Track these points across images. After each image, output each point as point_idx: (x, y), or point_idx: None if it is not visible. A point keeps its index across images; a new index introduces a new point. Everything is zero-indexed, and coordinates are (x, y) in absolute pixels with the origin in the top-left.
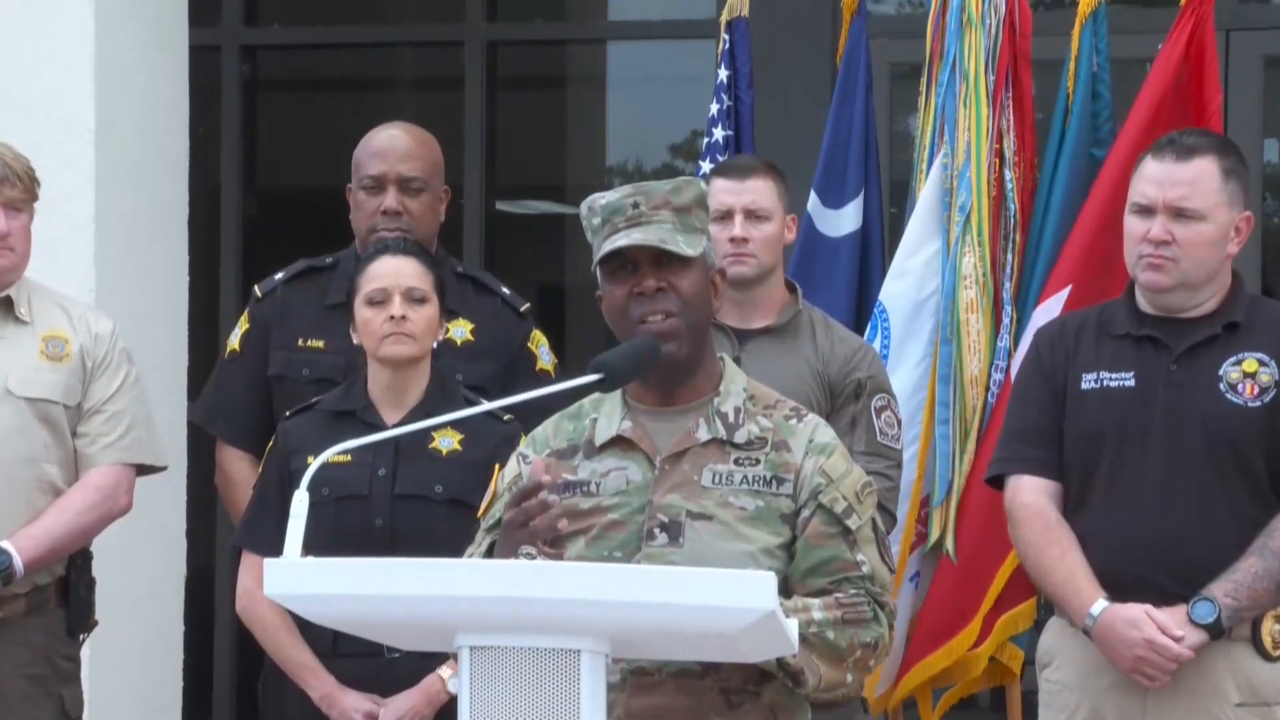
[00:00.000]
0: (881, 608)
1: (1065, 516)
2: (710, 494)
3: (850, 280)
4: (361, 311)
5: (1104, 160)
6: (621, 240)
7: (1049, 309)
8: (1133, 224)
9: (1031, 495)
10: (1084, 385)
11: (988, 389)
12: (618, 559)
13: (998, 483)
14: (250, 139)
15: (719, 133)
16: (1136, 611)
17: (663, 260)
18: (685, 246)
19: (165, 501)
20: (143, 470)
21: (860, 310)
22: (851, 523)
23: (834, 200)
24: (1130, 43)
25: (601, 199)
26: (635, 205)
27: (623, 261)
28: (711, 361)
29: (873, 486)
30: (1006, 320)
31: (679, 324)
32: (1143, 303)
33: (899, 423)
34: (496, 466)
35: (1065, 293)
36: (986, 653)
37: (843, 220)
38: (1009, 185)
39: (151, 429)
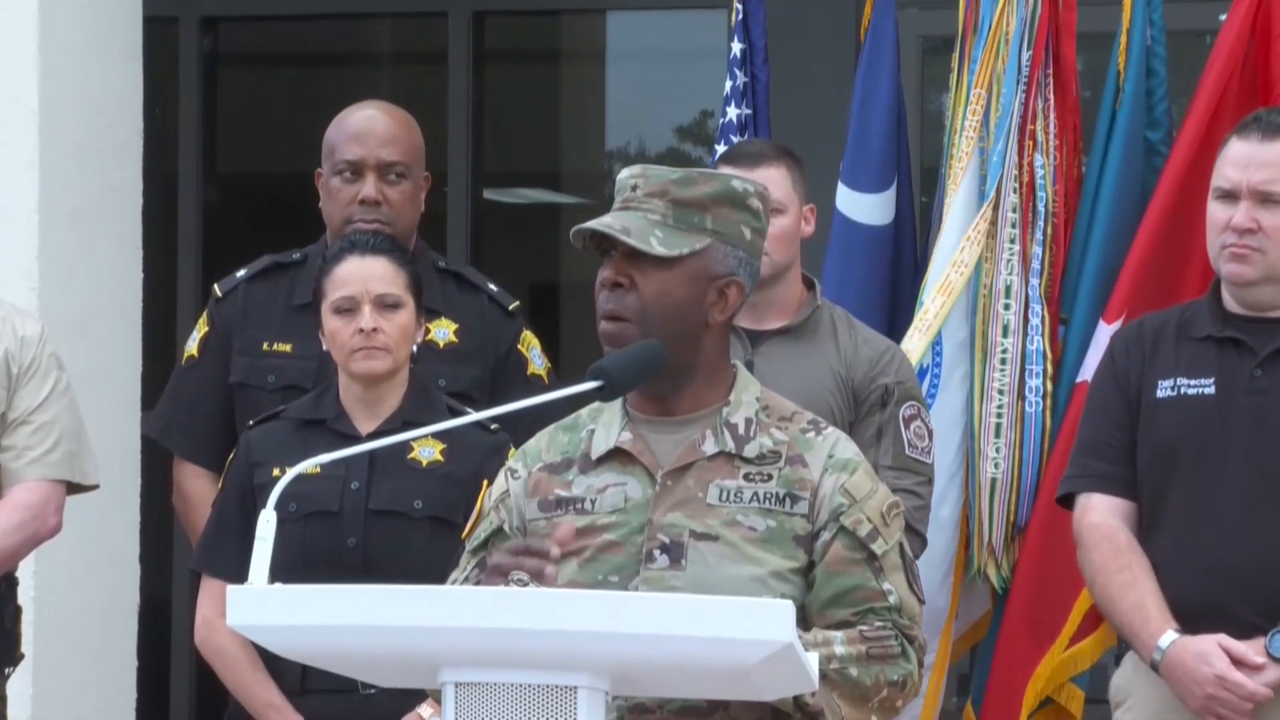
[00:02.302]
0: (910, 642)
1: (1139, 539)
2: (716, 512)
3: (886, 279)
4: (329, 320)
5: (1158, 143)
6: (593, 220)
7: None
8: (1215, 211)
9: (1101, 515)
10: (1159, 393)
11: (1023, 397)
12: (613, 584)
13: (1068, 502)
14: (211, 120)
15: (733, 112)
16: (1208, 644)
17: (635, 253)
18: (658, 244)
19: (116, 523)
20: (73, 489)
21: (894, 312)
22: (877, 547)
23: (864, 184)
24: (1187, 12)
25: (623, 172)
26: (634, 186)
27: (607, 246)
28: (716, 369)
29: (900, 507)
30: (1035, 320)
31: (631, 330)
32: (1229, 300)
33: (930, 434)
34: (485, 482)
35: (1119, 322)
36: (1040, 689)
37: (875, 209)
38: (1040, 172)
39: (83, 443)
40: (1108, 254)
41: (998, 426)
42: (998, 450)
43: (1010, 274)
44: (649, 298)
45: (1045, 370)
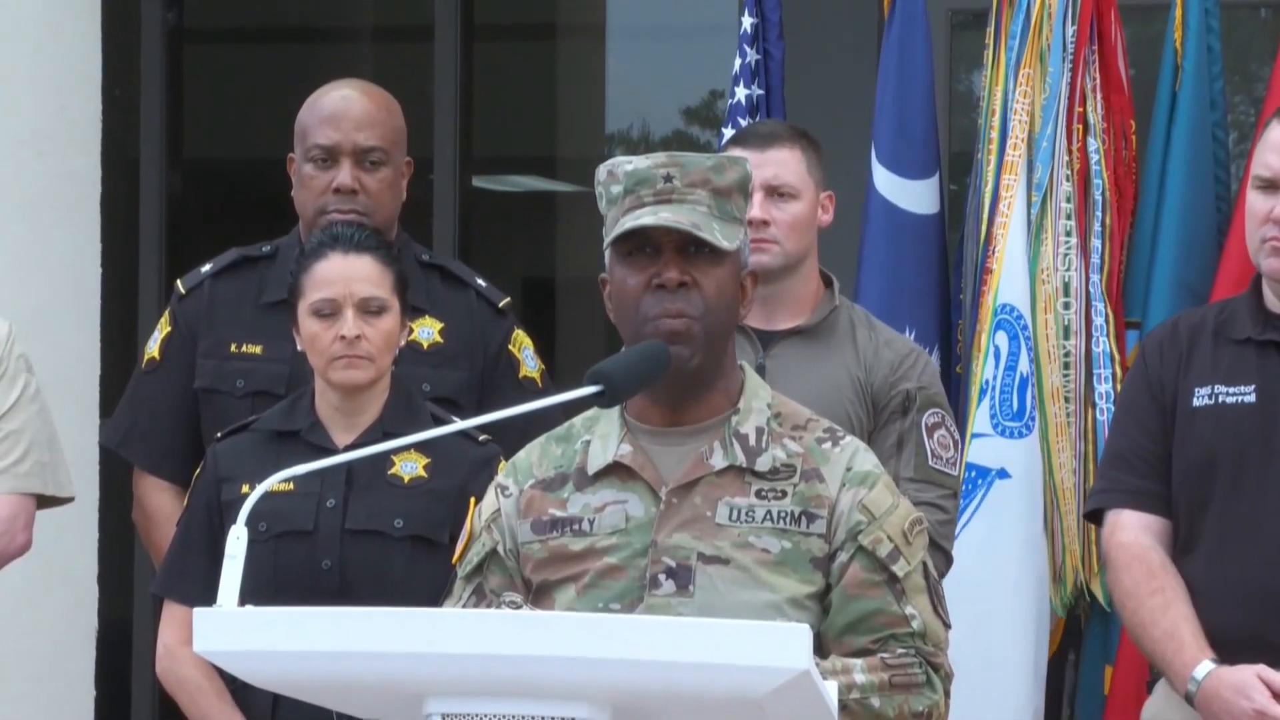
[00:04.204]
0: (935, 670)
1: (1174, 560)
2: (727, 533)
3: (939, 272)
4: (307, 323)
5: (1213, 126)
6: (647, 218)
7: None
8: (1254, 201)
9: (1131, 534)
10: (1196, 400)
11: (1093, 404)
12: (615, 612)
13: (1097, 518)
14: (176, 101)
15: (743, 92)
16: (1246, 675)
17: (690, 249)
18: (721, 237)
19: (73, 541)
20: (44, 502)
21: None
22: (898, 568)
23: (911, 170)
24: None
25: (628, 164)
26: (668, 178)
27: (642, 243)
28: (730, 374)
29: (924, 523)
30: (1099, 320)
31: (697, 329)
32: (1270, 299)
33: (955, 444)
34: (472, 500)
35: None
36: None
37: (923, 196)
38: (1094, 157)
39: (55, 452)
40: (1183, 251)
41: (1069, 436)
42: (1064, 463)
43: (1068, 269)
44: (711, 294)
45: (1114, 373)
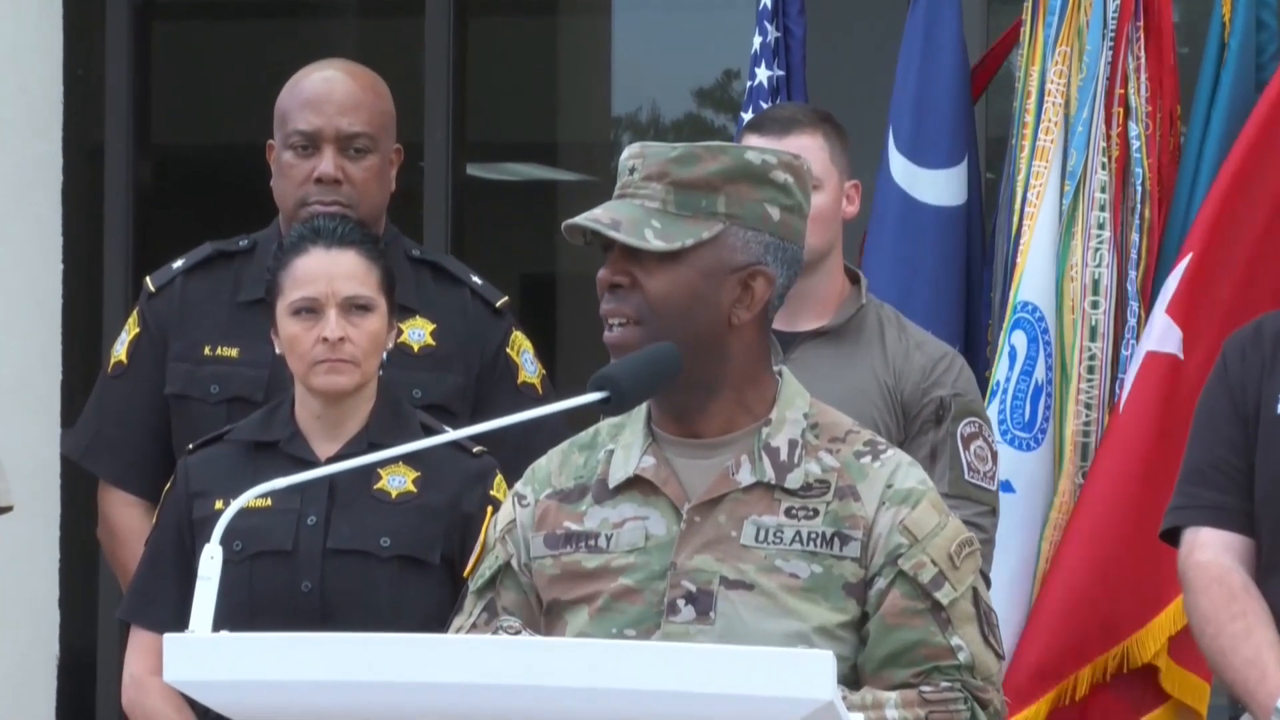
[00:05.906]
0: (983, 707)
1: (1257, 581)
2: (752, 555)
3: (962, 269)
4: (286, 324)
5: None
6: (582, 214)
7: (1166, 289)
8: None
9: (1210, 553)
10: None
11: (1113, 408)
12: (630, 639)
13: (1173, 537)
14: (144, 82)
15: (763, 73)
16: None
17: (632, 248)
18: (655, 236)
19: (33, 560)
20: None
21: (969, 308)
22: (942, 595)
23: (933, 159)
24: None
25: (624, 151)
26: (632, 169)
27: (604, 241)
28: (751, 379)
29: (974, 544)
30: (1132, 320)
31: (639, 335)
32: None
33: (993, 456)
34: (489, 509)
35: (1184, 264)
36: None
37: (947, 187)
38: (1135, 144)
39: None
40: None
41: (1085, 446)
42: (1084, 475)
43: (1099, 265)
44: (655, 297)
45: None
